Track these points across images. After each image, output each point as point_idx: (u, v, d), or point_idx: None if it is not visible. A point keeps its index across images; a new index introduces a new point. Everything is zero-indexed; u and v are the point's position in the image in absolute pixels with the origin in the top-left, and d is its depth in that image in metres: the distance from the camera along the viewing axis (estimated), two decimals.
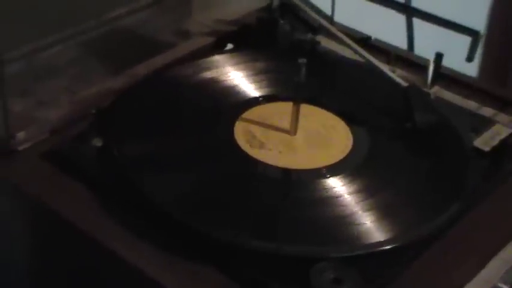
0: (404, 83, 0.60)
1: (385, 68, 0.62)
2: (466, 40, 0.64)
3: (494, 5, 1.26)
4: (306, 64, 0.56)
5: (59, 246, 0.55)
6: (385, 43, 0.71)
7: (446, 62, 0.65)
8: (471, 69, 1.28)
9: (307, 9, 0.68)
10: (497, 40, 1.27)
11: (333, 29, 0.65)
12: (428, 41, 0.76)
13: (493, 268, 0.49)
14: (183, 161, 0.55)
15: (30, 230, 0.57)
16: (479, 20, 1.27)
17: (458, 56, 0.65)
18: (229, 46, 0.70)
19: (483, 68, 1.27)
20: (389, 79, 0.61)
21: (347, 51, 0.66)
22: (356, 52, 0.63)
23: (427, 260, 0.49)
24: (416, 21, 0.74)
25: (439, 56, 0.63)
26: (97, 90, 0.62)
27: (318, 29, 0.68)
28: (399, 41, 0.85)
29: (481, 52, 1.28)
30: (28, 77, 0.61)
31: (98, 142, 0.56)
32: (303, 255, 0.47)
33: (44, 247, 0.57)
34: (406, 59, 0.68)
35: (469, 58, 0.59)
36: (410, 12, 0.74)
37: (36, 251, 0.58)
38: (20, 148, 0.56)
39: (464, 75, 0.67)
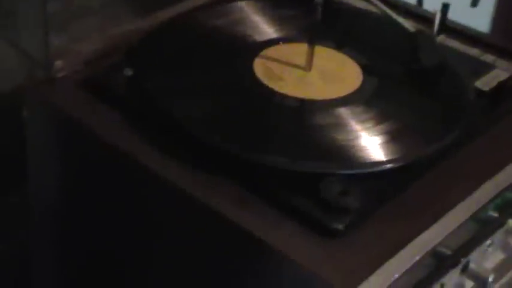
0: (412, 29, 0.65)
1: (395, 15, 0.66)
2: None
3: None
4: (322, 5, 0.61)
5: (92, 170, 0.61)
6: None
7: (458, 18, 0.69)
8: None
9: None
10: None
11: None
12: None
13: (434, 232, 0.51)
14: (206, 90, 0.60)
15: (64, 157, 0.63)
16: None
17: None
18: None
19: (495, 23, 1.30)
20: (399, 25, 0.65)
21: (360, 2, 0.71)
22: (368, 1, 0.68)
23: (424, 181, 0.54)
24: None
25: (445, 6, 0.67)
26: (126, 30, 0.67)
27: None
28: None
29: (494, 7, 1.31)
30: (65, 15, 0.67)
31: (128, 72, 0.61)
32: (315, 171, 0.52)
33: (77, 174, 0.63)
34: (414, 13, 0.73)
35: (473, 3, 0.63)
36: None
37: (68, 181, 0.64)
38: (59, 75, 0.62)
39: (468, 28, 0.71)
